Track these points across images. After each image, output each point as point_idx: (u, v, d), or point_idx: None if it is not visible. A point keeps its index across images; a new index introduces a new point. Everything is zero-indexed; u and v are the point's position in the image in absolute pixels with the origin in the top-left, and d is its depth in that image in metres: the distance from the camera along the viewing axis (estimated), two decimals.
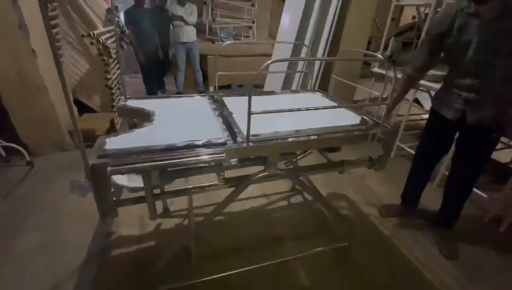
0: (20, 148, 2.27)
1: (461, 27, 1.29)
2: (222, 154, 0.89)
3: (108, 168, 0.78)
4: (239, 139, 0.97)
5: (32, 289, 1.30)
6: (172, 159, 0.85)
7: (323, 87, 2.71)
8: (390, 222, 1.89)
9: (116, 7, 2.90)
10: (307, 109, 0.98)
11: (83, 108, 2.85)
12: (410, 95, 2.76)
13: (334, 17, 2.65)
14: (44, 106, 2.27)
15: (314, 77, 2.75)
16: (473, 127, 1.39)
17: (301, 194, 2.12)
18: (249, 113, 0.88)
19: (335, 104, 1.48)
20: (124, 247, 1.57)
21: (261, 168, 1.10)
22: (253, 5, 4.62)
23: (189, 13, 3.74)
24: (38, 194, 1.95)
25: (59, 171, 2.20)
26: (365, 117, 1.25)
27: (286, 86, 2.93)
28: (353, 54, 2.72)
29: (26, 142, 2.35)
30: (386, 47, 2.88)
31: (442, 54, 1.45)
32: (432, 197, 1.98)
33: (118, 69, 3.00)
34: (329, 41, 2.73)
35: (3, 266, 1.41)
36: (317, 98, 1.59)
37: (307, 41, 2.70)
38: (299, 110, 0.99)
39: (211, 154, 0.88)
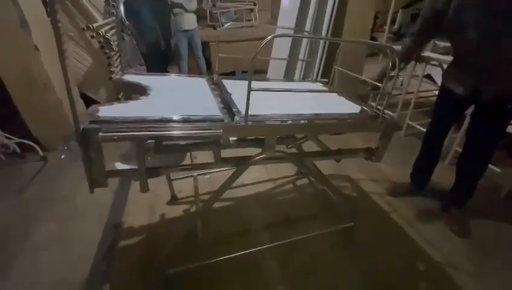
0: (33, 144, 2.34)
1: (458, 8, 1.22)
2: (219, 131, 0.87)
3: (100, 134, 0.77)
4: (237, 117, 0.95)
5: (47, 279, 1.35)
6: (167, 130, 0.84)
7: (326, 76, 2.63)
8: (399, 201, 1.86)
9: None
10: (306, 91, 0.95)
11: (90, 102, 2.89)
12: (420, 70, 2.64)
13: None
14: (52, 102, 2.31)
15: (316, 66, 2.66)
16: (486, 102, 1.34)
17: (307, 177, 2.11)
18: (249, 91, 0.86)
19: (335, 94, 1.44)
20: (134, 235, 1.61)
21: (259, 150, 1.09)
22: None
23: (189, 0, 3.66)
24: (51, 188, 2.01)
25: (71, 165, 2.26)
26: (365, 108, 1.23)
27: (288, 75, 2.85)
28: (359, 37, 2.60)
29: (39, 138, 2.42)
30: (394, 21, 2.74)
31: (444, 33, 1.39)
32: (443, 175, 1.92)
33: (120, 61, 3.01)
34: (333, 17, 2.61)
35: (20, 258, 1.47)
36: (318, 88, 1.56)
37: (309, 18, 2.59)
38: (298, 91, 0.96)
39: (208, 129, 0.87)
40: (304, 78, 2.72)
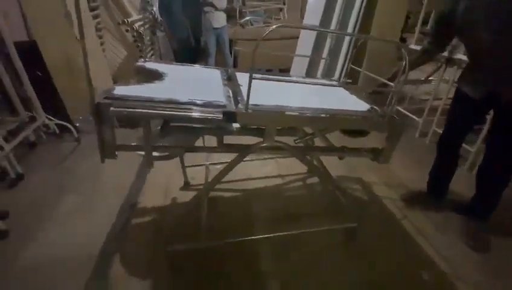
0: (70, 126, 2.60)
1: (466, 9, 1.18)
2: (219, 115, 0.92)
3: (111, 109, 0.87)
4: (240, 105, 1.00)
5: (69, 243, 1.52)
6: (172, 111, 0.91)
7: (351, 76, 2.56)
8: (413, 209, 1.78)
9: None
10: (306, 83, 0.97)
11: None
12: (450, 74, 2.48)
13: None
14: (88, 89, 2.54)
15: (340, 65, 2.60)
16: (505, 107, 1.27)
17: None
18: (250, 80, 0.90)
19: (346, 92, 1.44)
20: (147, 215, 1.73)
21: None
22: None
23: None
24: (81, 166, 2.22)
25: None
26: (375, 107, 1.21)
27: (310, 73, 2.82)
28: (388, 37, 2.50)
29: (75, 121, 2.68)
30: (427, 22, 2.60)
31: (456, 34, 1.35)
32: (466, 184, 1.80)
33: (152, 55, 3.21)
34: (360, 16, 2.54)
35: (50, 222, 1.66)
36: (329, 85, 1.55)
37: (334, 18, 2.55)
38: (298, 82, 0.99)
39: (209, 113, 0.93)
40: (326, 77, 2.69)
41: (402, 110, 2.84)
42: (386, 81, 1.38)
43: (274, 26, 0.89)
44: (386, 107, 1.18)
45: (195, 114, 0.91)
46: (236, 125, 1.08)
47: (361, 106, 1.23)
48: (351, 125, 1.17)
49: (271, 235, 1.44)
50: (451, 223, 1.66)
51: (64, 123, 2.60)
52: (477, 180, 1.54)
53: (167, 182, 1.98)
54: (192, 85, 1.18)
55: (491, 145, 1.43)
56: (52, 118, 2.60)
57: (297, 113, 1.01)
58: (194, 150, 1.18)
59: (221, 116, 0.92)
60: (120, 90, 0.98)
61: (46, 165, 2.24)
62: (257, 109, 0.98)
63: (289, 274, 1.37)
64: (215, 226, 1.60)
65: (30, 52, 2.35)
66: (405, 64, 1.05)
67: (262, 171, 2.10)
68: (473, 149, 2.08)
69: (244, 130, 1.16)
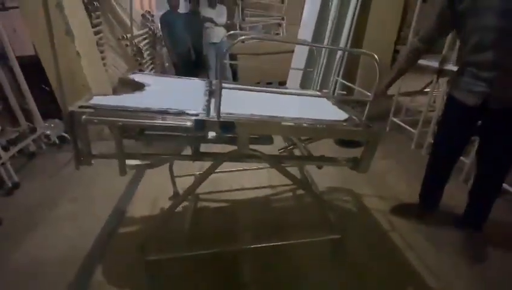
0: (69, 136, 2.67)
1: None
2: (188, 123, 0.93)
3: (83, 117, 0.89)
4: (212, 113, 1.02)
5: (56, 249, 1.54)
6: (143, 119, 0.93)
7: (345, 88, 2.59)
8: (403, 222, 1.73)
9: (149, 12, 3.21)
10: (280, 92, 0.99)
11: None
12: (443, 85, 2.47)
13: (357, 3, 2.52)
14: None
15: (332, 78, 2.64)
16: (497, 112, 1.20)
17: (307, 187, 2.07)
18: (220, 88, 0.92)
19: (329, 102, 1.45)
20: (134, 223, 1.75)
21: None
22: (282, 2, 4.63)
23: (219, 15, 3.93)
24: (77, 175, 2.25)
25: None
26: (354, 116, 1.21)
27: (304, 85, 2.87)
28: (381, 49, 2.54)
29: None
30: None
31: (453, 26, 1.28)
32: (461, 196, 1.75)
33: (152, 70, 3.32)
34: (351, 31, 2.60)
35: (44, 226, 1.71)
36: (312, 97, 1.57)
37: (327, 32, 2.61)
38: (271, 92, 1.00)
39: (178, 121, 0.94)
40: (320, 89, 2.72)
41: (398, 121, 2.82)
42: (363, 91, 1.39)
43: (241, 38, 0.92)
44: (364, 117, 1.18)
45: (163, 122, 0.93)
46: (212, 133, 1.10)
47: (340, 115, 1.23)
48: (323, 134, 1.17)
49: (253, 246, 1.42)
50: (442, 235, 1.61)
51: (63, 134, 2.69)
52: (469, 193, 1.50)
53: (157, 192, 1.99)
54: (171, 96, 1.22)
55: (481, 157, 1.39)
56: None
57: (264, 120, 1.02)
58: (168, 159, 1.20)
59: (189, 123, 0.93)
60: (98, 100, 1.02)
61: (42, 174, 2.30)
62: (228, 117, 1.00)
63: (271, 286, 1.34)
64: (200, 236, 1.60)
65: (37, 66, 2.47)
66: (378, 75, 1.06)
67: (254, 181, 2.10)
68: (467, 160, 2.03)
69: (222, 139, 1.17)
